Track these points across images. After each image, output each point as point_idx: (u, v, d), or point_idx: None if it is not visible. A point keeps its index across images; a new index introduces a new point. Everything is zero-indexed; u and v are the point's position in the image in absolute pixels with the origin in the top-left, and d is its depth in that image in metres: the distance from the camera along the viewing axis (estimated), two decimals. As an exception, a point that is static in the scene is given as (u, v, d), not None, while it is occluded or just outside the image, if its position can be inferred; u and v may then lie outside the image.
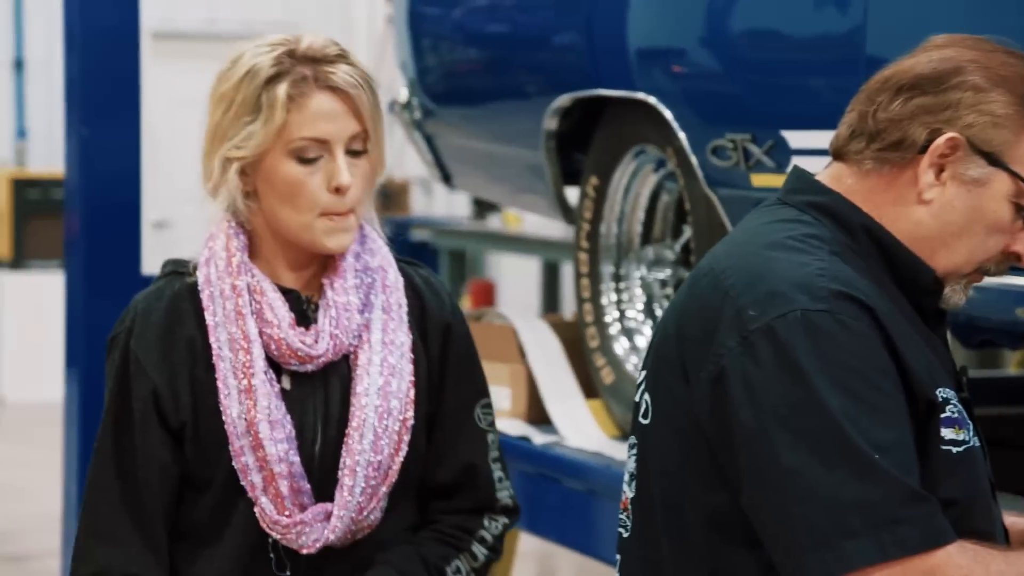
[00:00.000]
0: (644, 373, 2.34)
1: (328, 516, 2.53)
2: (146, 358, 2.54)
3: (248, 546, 2.56)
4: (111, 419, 2.56)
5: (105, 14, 4.45)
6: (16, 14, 12.16)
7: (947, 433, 2.17)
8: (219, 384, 2.52)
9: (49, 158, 11.59)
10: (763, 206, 2.37)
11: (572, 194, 4.43)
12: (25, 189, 11.65)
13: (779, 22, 3.66)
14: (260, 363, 2.51)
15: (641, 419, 2.32)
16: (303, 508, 2.53)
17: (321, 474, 2.55)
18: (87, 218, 4.40)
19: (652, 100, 3.93)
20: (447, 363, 2.66)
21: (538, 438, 4.16)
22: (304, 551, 2.53)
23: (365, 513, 2.55)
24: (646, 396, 2.31)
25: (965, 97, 2.20)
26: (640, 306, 4.28)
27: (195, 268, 2.58)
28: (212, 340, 2.53)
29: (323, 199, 2.50)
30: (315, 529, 2.52)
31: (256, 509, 2.52)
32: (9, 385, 11.30)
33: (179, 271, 2.59)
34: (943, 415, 2.17)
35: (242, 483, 2.52)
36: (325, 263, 2.59)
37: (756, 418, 2.11)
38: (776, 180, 3.48)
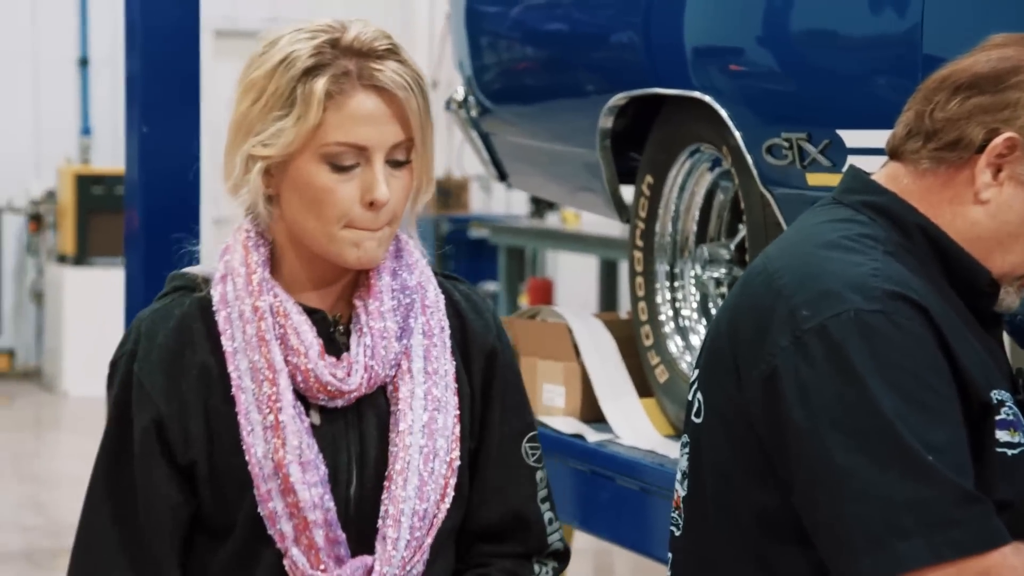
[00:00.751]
0: (697, 372, 2.33)
1: (369, 571, 2.23)
2: (151, 384, 2.23)
3: None
4: (107, 453, 2.26)
5: (166, 12, 4.44)
6: (82, 13, 12.23)
7: (1002, 435, 2.17)
8: (240, 419, 2.20)
9: (113, 155, 11.65)
10: (818, 205, 2.36)
11: (627, 193, 4.41)
12: (89, 186, 11.72)
13: (835, 21, 3.64)
14: (288, 396, 2.19)
15: (694, 418, 2.31)
16: (340, 561, 2.22)
17: (358, 522, 2.25)
18: (146, 214, 4.41)
19: (708, 99, 3.91)
20: (492, 392, 2.36)
21: (592, 436, 4.15)
22: None
23: (408, 568, 2.25)
24: (699, 395, 2.30)
25: (1022, 97, 2.20)
26: (694, 305, 4.25)
27: (205, 283, 2.28)
28: (231, 368, 2.21)
29: (354, 212, 2.20)
30: None
31: (286, 561, 2.21)
32: (72, 379, 11.38)
33: (188, 287, 2.28)
34: (998, 417, 2.17)
35: (269, 532, 2.21)
36: (356, 280, 2.29)
37: (808, 418, 2.10)
38: (831, 179, 3.46)
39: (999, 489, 2.14)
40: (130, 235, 4.53)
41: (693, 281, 4.26)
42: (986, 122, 2.21)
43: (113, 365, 2.29)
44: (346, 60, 2.19)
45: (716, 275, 4.22)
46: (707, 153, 4.13)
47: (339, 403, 2.24)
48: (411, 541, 2.23)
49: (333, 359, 2.22)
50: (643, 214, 4.27)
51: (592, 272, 10.38)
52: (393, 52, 2.23)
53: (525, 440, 2.38)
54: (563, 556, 2.43)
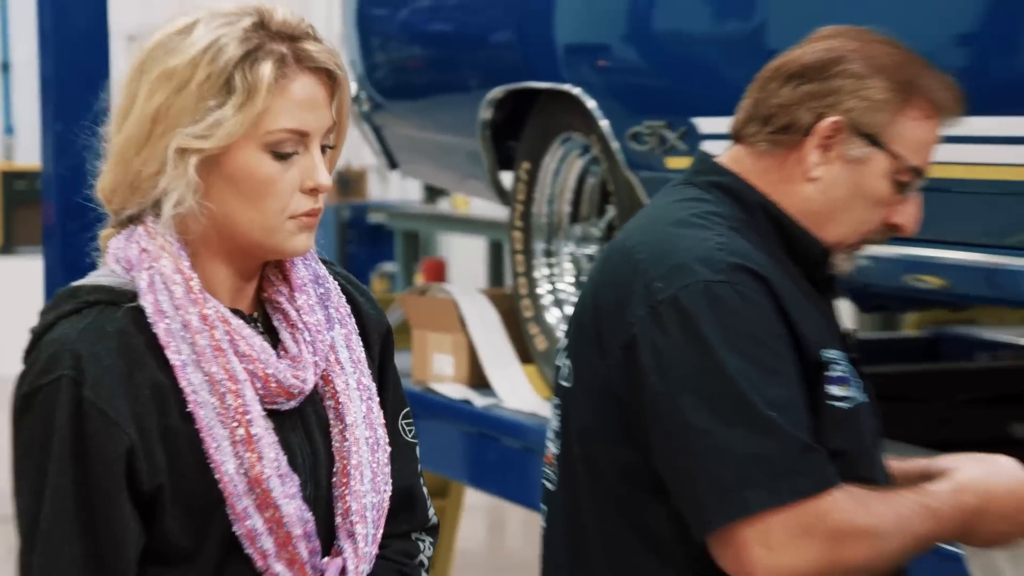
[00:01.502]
0: (566, 340, 2.35)
1: (343, 573, 1.96)
2: (115, 411, 1.84)
3: None
4: (64, 489, 1.84)
5: (76, 17, 4.43)
6: (3, 18, 12.08)
7: (834, 390, 2.18)
8: (204, 436, 1.86)
9: (36, 152, 11.51)
10: (670, 186, 2.37)
11: (507, 178, 4.43)
12: (13, 181, 11.62)
13: (689, 22, 3.68)
14: (256, 407, 1.87)
15: (563, 382, 2.32)
16: (319, 570, 1.94)
17: (320, 526, 1.97)
18: (63, 207, 4.39)
19: (577, 91, 3.94)
20: (387, 373, 2.15)
21: (479, 401, 4.18)
22: None
23: (371, 562, 2.02)
24: (567, 361, 2.31)
25: (846, 84, 2.21)
26: (570, 279, 4.28)
27: (123, 294, 1.90)
28: (184, 383, 1.86)
29: (295, 200, 1.92)
30: None
31: None
32: (2, 361, 11.25)
33: (108, 300, 1.89)
34: (830, 374, 2.18)
35: (248, 551, 1.89)
36: (264, 275, 2.00)
37: (663, 382, 2.12)
38: (688, 162, 3.49)
39: (833, 439, 2.16)
40: (48, 227, 4.51)
41: (568, 257, 4.30)
42: (814, 107, 2.21)
43: (38, 393, 1.86)
44: (278, 44, 1.90)
45: (588, 252, 4.26)
46: (577, 141, 4.15)
47: (290, 405, 1.95)
48: (375, 534, 2.01)
49: (287, 360, 1.94)
50: (521, 197, 4.29)
51: (481, 252, 10.40)
52: (314, 33, 1.97)
53: (401, 417, 2.17)
54: (435, 530, 2.23)
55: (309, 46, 1.92)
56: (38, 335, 1.90)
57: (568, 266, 4.30)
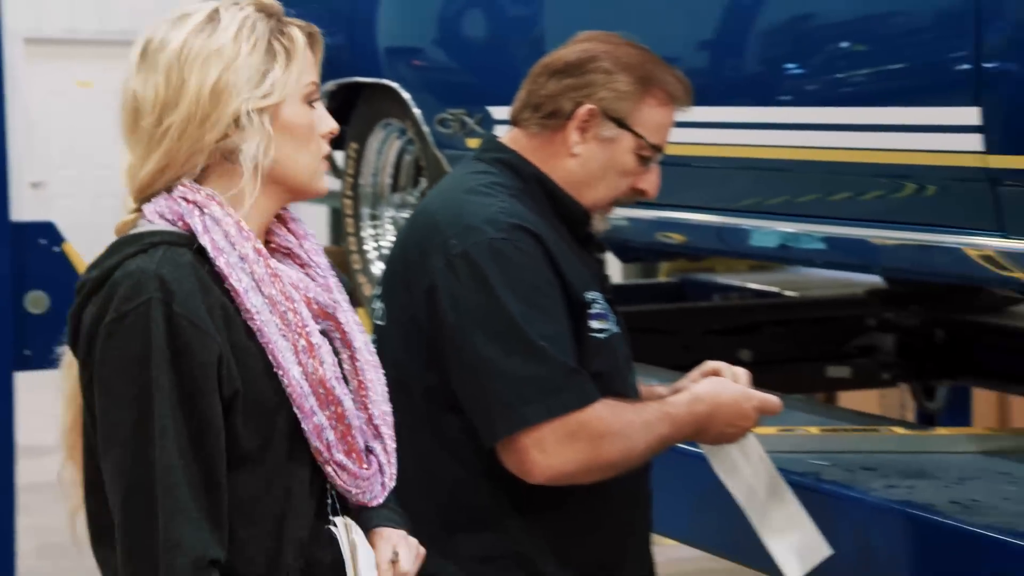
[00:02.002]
0: (379, 287, 2.33)
1: (380, 467, 1.84)
2: (204, 322, 1.69)
3: (310, 516, 1.79)
4: (170, 391, 1.67)
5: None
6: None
7: (594, 324, 2.20)
8: (271, 347, 1.72)
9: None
10: (463, 161, 2.36)
11: (340, 156, 4.38)
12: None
13: (483, 28, 3.67)
14: (311, 322, 1.75)
15: (378, 321, 2.30)
16: (366, 463, 1.82)
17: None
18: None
19: (395, 85, 3.91)
20: None
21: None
22: (373, 504, 1.84)
23: (394, 463, 1.89)
24: (380, 303, 2.29)
25: (599, 78, 2.22)
26: (391, 238, 4.24)
27: (184, 239, 1.74)
28: (248, 305, 1.72)
29: (324, 144, 1.83)
30: (376, 481, 1.84)
31: (329, 469, 1.77)
32: None
33: (170, 241, 1.73)
34: (591, 311, 2.20)
35: (315, 444, 1.75)
36: (270, 229, 1.84)
37: (458, 320, 2.12)
38: (484, 143, 3.50)
39: (593, 364, 2.18)
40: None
41: (389, 220, 4.26)
42: (573, 97, 2.23)
43: (130, 316, 1.68)
44: (278, 18, 1.79)
45: (406, 215, 4.23)
46: (396, 125, 4.11)
47: (320, 327, 1.80)
48: (393, 436, 1.88)
49: (319, 287, 1.81)
50: (351, 172, 4.24)
51: (324, 217, 10.31)
52: None
53: None
54: None
55: (290, 19, 1.81)
56: (106, 273, 1.71)
57: (390, 227, 4.25)
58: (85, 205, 9.40)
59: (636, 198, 2.31)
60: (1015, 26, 2.33)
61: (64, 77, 10.47)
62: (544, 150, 2.26)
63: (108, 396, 1.69)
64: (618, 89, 2.22)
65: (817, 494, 2.57)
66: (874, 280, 4.42)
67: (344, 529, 1.80)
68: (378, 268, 4.21)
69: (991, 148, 2.38)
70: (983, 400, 5.23)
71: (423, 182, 4.07)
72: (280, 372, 1.72)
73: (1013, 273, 2.52)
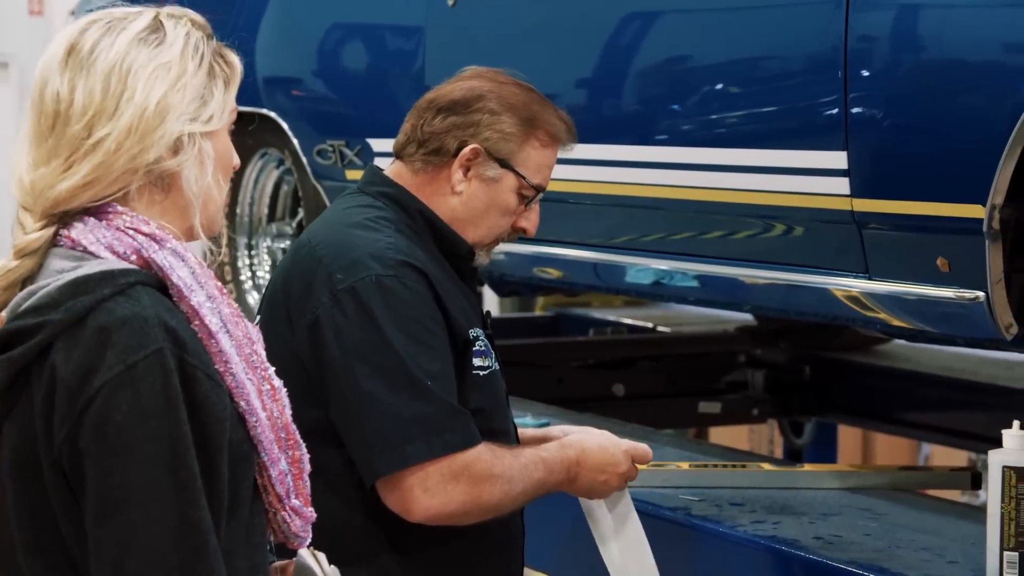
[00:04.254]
0: (258, 319, 2.31)
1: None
2: (216, 374, 1.54)
3: (267, 564, 1.67)
4: (185, 449, 1.49)
5: None
6: None
7: (476, 361, 2.21)
8: (240, 391, 1.58)
9: None
10: (347, 194, 2.35)
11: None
12: None
13: (362, 59, 3.68)
14: (270, 364, 1.63)
15: None
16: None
17: None
18: None
19: (273, 115, 3.89)
20: None
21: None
22: (303, 547, 1.71)
23: None
24: (256, 326, 2.27)
25: (484, 118, 2.23)
26: (267, 268, 4.22)
27: (148, 277, 1.56)
28: (221, 347, 1.55)
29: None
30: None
31: (282, 515, 1.64)
32: None
33: (143, 281, 1.54)
34: (474, 348, 2.21)
35: (278, 490, 1.62)
36: None
37: (342, 356, 2.10)
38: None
39: (473, 400, 2.18)
40: None
41: (266, 250, 4.24)
42: (458, 135, 2.23)
43: (139, 367, 1.49)
44: (213, 38, 1.66)
45: (283, 246, 4.21)
46: (274, 155, 4.09)
47: None
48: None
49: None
50: (227, 201, 4.22)
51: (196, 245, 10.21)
52: None
53: None
54: None
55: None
56: (78, 316, 1.50)
57: (266, 257, 4.23)
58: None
59: (516, 235, 2.33)
60: (881, 75, 2.41)
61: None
62: (428, 186, 2.26)
63: (118, 454, 1.48)
64: (503, 130, 2.23)
65: (686, 528, 2.63)
66: (746, 317, 4.51)
67: (313, 559, 1.74)
68: (253, 298, 4.19)
69: (856, 192, 2.46)
70: (848, 436, 5.35)
71: (300, 212, 4.05)
72: (253, 418, 1.58)
73: (877, 314, 2.60)
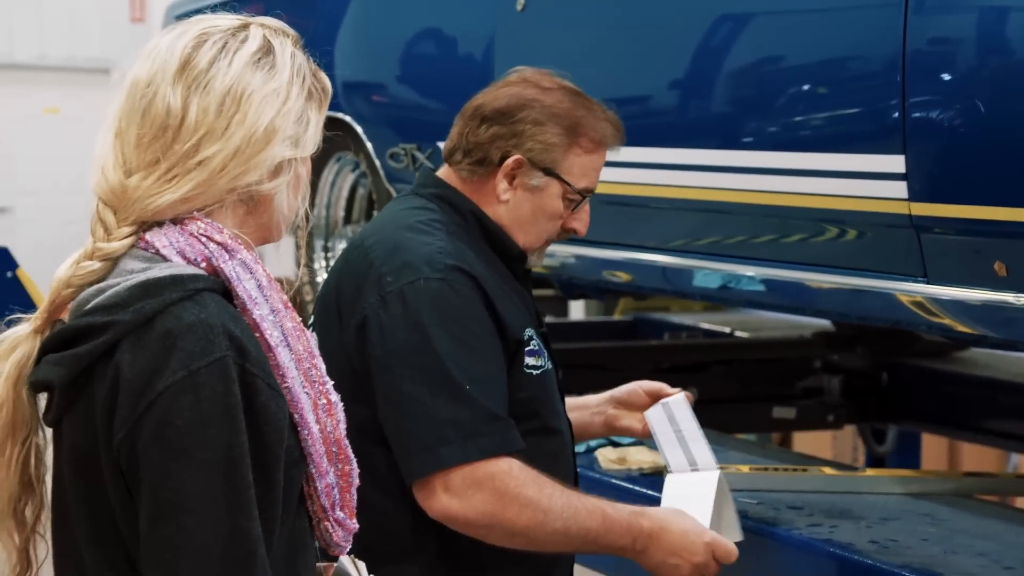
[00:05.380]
0: (313, 317, 2.34)
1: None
2: (277, 384, 1.57)
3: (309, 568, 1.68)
4: (250, 456, 1.52)
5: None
6: None
7: (529, 360, 2.24)
8: (298, 405, 1.60)
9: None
10: (401, 196, 2.40)
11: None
12: None
13: (435, 64, 3.74)
14: (328, 379, 1.66)
15: None
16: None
17: None
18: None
19: (348, 119, 3.95)
20: None
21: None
22: (343, 554, 1.73)
23: None
24: (313, 335, 2.31)
25: (527, 129, 2.27)
26: (344, 270, 4.32)
27: (215, 284, 1.58)
28: (280, 360, 1.58)
29: None
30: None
31: (325, 525, 1.66)
32: None
33: (211, 288, 1.57)
34: (527, 348, 2.24)
35: (323, 502, 1.65)
36: None
37: (386, 356, 2.14)
38: (434, 178, 3.55)
39: (527, 398, 2.20)
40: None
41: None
42: (501, 147, 2.27)
43: (202, 373, 1.51)
44: (306, 53, 1.69)
45: (359, 248, 4.29)
46: (349, 159, 4.17)
47: None
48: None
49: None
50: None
51: (286, 245, 10.33)
52: None
53: None
54: None
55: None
56: (145, 318, 1.53)
57: (343, 259, 4.33)
58: (49, 232, 9.41)
59: (567, 236, 2.35)
60: (938, 81, 2.41)
61: (31, 103, 10.51)
62: (477, 193, 2.31)
63: (176, 459, 1.50)
64: (546, 140, 2.26)
65: (743, 531, 2.64)
66: (823, 323, 4.50)
67: (353, 567, 1.75)
68: (330, 300, 4.27)
69: (914, 196, 2.46)
70: (933, 444, 5.30)
71: (375, 215, 4.11)
72: (305, 431, 1.60)
73: (940, 319, 2.59)
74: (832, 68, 2.65)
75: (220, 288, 1.57)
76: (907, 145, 2.45)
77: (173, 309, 1.53)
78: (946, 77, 2.40)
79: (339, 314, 2.23)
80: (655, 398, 2.52)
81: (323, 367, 1.63)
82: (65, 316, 1.61)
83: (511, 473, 2.12)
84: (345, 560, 1.73)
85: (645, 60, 3.09)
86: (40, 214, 10.62)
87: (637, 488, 2.90)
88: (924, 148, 2.43)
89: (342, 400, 1.96)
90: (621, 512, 2.19)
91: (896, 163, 2.47)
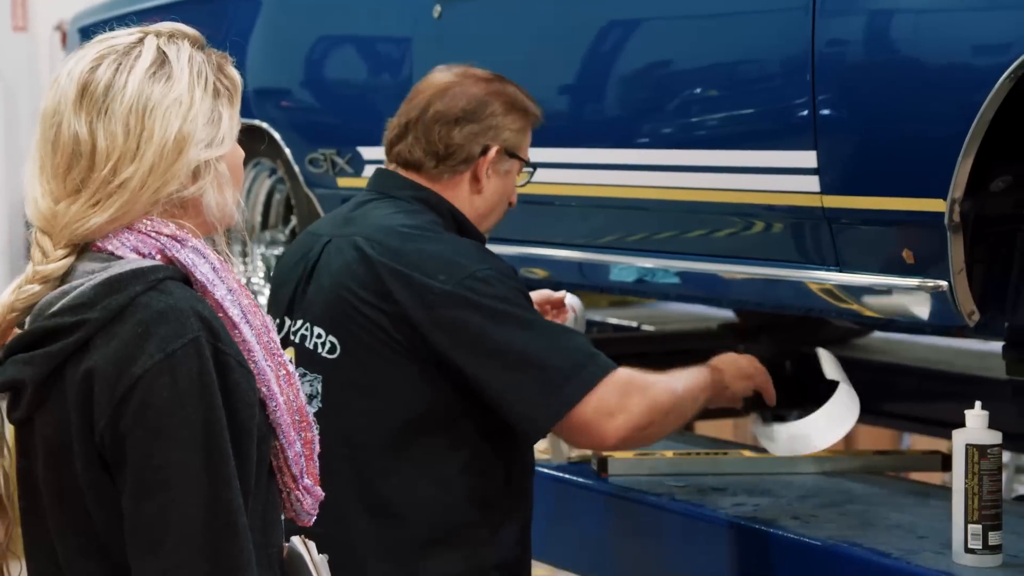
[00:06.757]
0: (312, 326, 2.37)
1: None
2: (246, 362, 1.63)
3: (282, 540, 1.75)
4: (228, 432, 1.59)
5: None
6: None
7: None
8: (264, 378, 1.66)
9: None
10: (374, 200, 2.47)
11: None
12: None
13: (351, 69, 3.80)
14: (283, 351, 1.71)
15: (326, 355, 2.35)
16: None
17: None
18: None
19: (265, 125, 4.00)
20: None
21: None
22: (311, 523, 1.78)
23: None
24: (330, 338, 2.35)
25: (499, 122, 2.45)
26: (261, 275, 4.34)
27: (173, 273, 1.64)
28: (246, 335, 1.64)
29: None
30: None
31: (296, 494, 1.73)
32: None
33: (173, 276, 1.63)
34: None
35: (293, 471, 1.70)
36: None
37: (480, 339, 2.25)
38: (355, 182, 3.61)
39: None
40: None
41: (260, 257, 4.35)
42: (480, 141, 2.44)
43: (177, 355, 1.57)
44: (208, 51, 1.73)
45: (276, 252, 4.31)
46: (266, 164, 4.20)
47: None
48: None
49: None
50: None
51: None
52: None
53: None
54: None
55: (213, 50, 1.74)
56: (113, 313, 1.59)
57: (260, 264, 4.34)
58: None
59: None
60: (845, 80, 2.56)
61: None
62: (453, 190, 2.45)
63: (158, 437, 1.56)
64: (515, 128, 2.46)
65: (671, 513, 2.77)
66: (727, 315, 4.65)
67: (303, 546, 1.78)
68: (248, 304, 4.29)
69: (826, 189, 2.60)
70: (832, 430, 5.47)
71: (293, 220, 4.16)
72: (272, 403, 1.66)
73: (850, 305, 2.74)
74: (746, 68, 2.79)
75: (180, 276, 1.63)
76: (818, 141, 2.60)
77: (140, 300, 1.59)
78: (852, 76, 2.54)
79: (388, 310, 2.28)
80: (549, 304, 2.73)
81: (278, 340, 1.70)
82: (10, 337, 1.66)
83: (632, 371, 2.31)
84: (296, 540, 1.78)
85: (561, 63, 3.18)
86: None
87: (567, 476, 3.01)
88: (835, 143, 2.58)
89: (393, 395, 2.12)
90: (697, 371, 2.45)
91: (808, 158, 2.62)
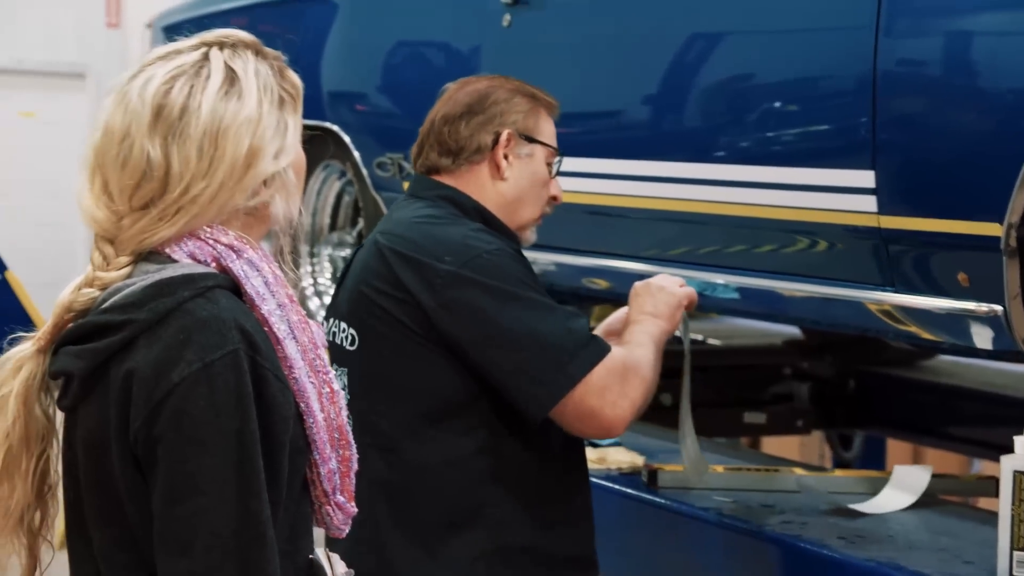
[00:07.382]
0: (338, 321, 2.43)
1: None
2: (284, 376, 1.65)
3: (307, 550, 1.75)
4: (251, 444, 1.59)
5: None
6: None
7: None
8: (304, 395, 1.67)
9: None
10: (402, 201, 2.52)
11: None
12: None
13: (421, 77, 3.84)
14: (331, 369, 1.73)
15: (348, 347, 2.41)
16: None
17: None
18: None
19: (336, 128, 4.06)
20: None
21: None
22: (343, 536, 1.80)
23: None
24: (350, 331, 2.41)
25: (502, 108, 2.46)
26: (328, 275, 4.39)
27: (224, 282, 1.65)
28: (287, 352, 1.65)
29: None
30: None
31: (327, 509, 1.74)
32: None
33: (222, 284, 1.65)
34: None
35: (325, 487, 1.72)
36: None
37: (485, 324, 2.27)
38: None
39: None
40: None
41: (327, 258, 4.41)
42: (490, 129, 2.45)
43: (216, 365, 1.59)
44: (270, 59, 1.74)
45: (343, 254, 4.37)
46: (336, 167, 4.26)
47: None
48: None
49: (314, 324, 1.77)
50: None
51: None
52: None
53: None
54: None
55: (269, 52, 1.75)
56: (160, 316, 1.62)
57: (327, 264, 4.40)
58: (24, 234, 9.46)
59: (552, 207, 2.53)
60: (907, 101, 2.55)
61: (7, 107, 10.56)
62: (474, 184, 2.47)
63: (192, 444, 1.58)
64: (521, 110, 2.47)
65: (718, 528, 2.77)
66: (793, 332, 4.63)
67: (327, 560, 1.77)
68: (314, 304, 4.35)
69: (883, 209, 2.60)
70: (898, 449, 5.44)
71: (360, 222, 4.21)
72: (310, 419, 1.67)
73: (905, 326, 2.73)
74: (807, 87, 2.79)
75: (230, 285, 1.65)
76: (876, 161, 2.59)
77: (187, 306, 1.61)
78: (913, 97, 2.54)
79: (401, 300, 2.32)
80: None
81: (326, 357, 1.71)
82: None
83: (619, 351, 2.32)
84: (319, 552, 1.77)
85: (630, 75, 3.20)
86: (15, 216, 10.66)
87: (616, 487, 3.03)
88: (893, 164, 2.57)
89: (412, 381, 2.12)
90: (646, 330, 2.43)
91: (867, 178, 2.61)
